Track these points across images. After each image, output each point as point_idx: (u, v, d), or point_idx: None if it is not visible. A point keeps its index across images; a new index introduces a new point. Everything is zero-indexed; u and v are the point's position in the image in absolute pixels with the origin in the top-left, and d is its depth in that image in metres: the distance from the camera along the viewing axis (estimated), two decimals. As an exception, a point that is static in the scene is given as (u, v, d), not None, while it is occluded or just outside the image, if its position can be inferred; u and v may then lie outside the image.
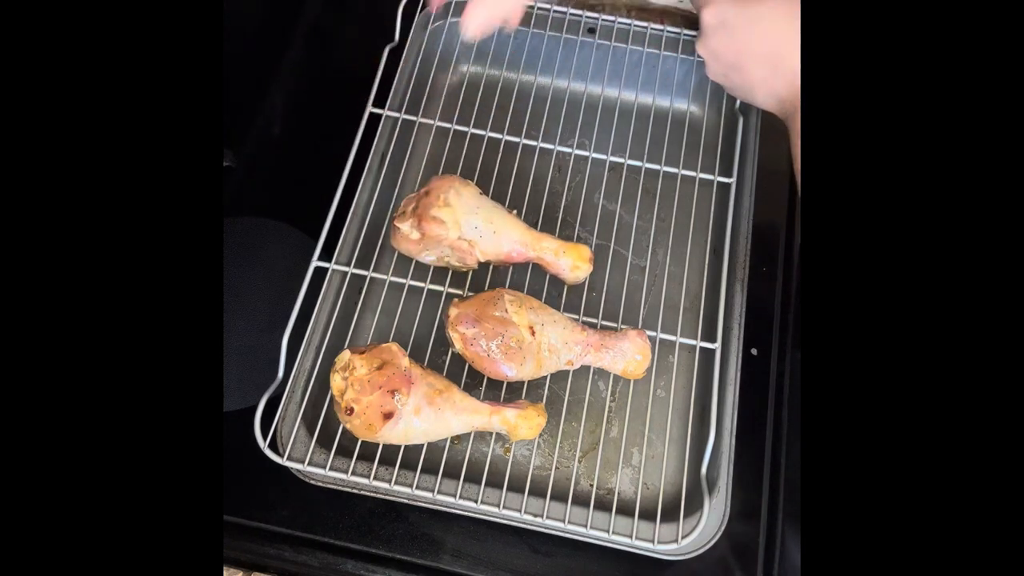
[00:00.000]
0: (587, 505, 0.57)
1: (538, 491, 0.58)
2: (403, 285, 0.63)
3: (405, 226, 0.60)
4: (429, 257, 0.62)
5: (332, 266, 0.63)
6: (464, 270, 0.63)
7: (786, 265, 0.68)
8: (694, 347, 0.63)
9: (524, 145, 0.68)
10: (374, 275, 0.63)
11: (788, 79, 0.57)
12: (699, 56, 0.63)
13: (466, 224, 0.59)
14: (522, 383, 0.62)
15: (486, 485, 0.57)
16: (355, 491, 0.58)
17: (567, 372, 0.60)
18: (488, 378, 0.60)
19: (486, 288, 0.64)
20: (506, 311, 0.57)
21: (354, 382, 0.54)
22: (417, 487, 0.56)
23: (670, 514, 0.58)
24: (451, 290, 0.63)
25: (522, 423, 0.56)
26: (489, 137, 0.68)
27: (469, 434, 0.60)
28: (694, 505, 0.58)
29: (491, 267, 0.64)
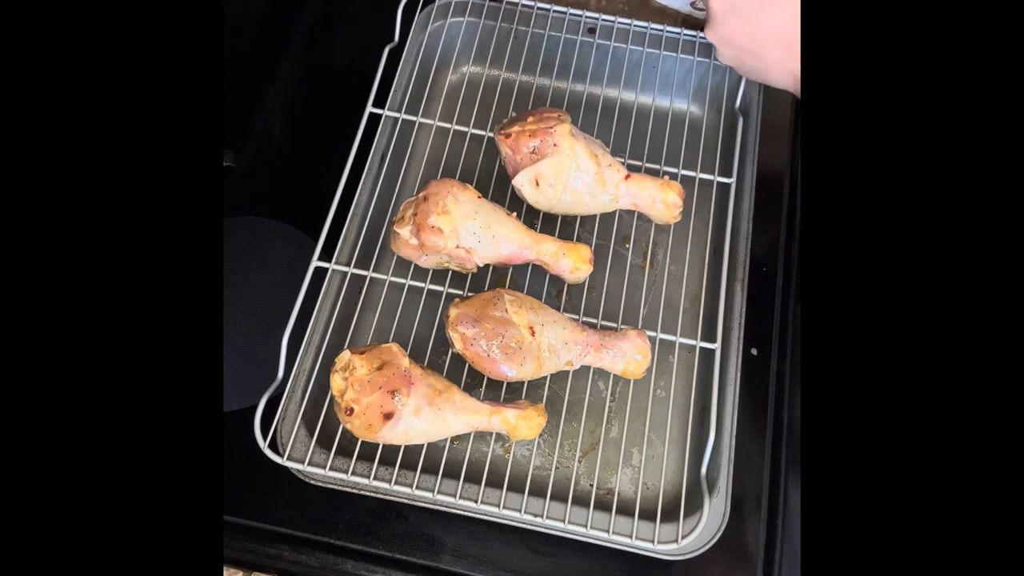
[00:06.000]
0: (587, 505, 0.57)
1: (538, 491, 0.58)
2: (403, 285, 0.63)
3: (404, 231, 0.60)
4: (428, 262, 0.62)
5: (332, 266, 0.63)
6: (464, 272, 0.63)
7: (786, 265, 0.68)
8: (694, 347, 0.63)
9: (524, 145, 0.68)
10: (374, 275, 0.63)
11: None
12: (708, 39, 0.63)
13: (464, 231, 0.59)
14: (522, 383, 0.62)
15: (486, 485, 0.57)
16: (355, 491, 0.58)
17: (567, 372, 0.60)
18: (488, 378, 0.60)
19: (486, 288, 0.64)
20: (506, 311, 0.57)
21: (354, 382, 0.54)
22: (417, 487, 0.56)
23: (670, 514, 0.58)
24: (451, 290, 0.63)
25: (522, 423, 0.56)
26: (489, 137, 0.68)
27: (469, 434, 0.60)
28: (694, 505, 0.58)
29: (491, 267, 0.64)
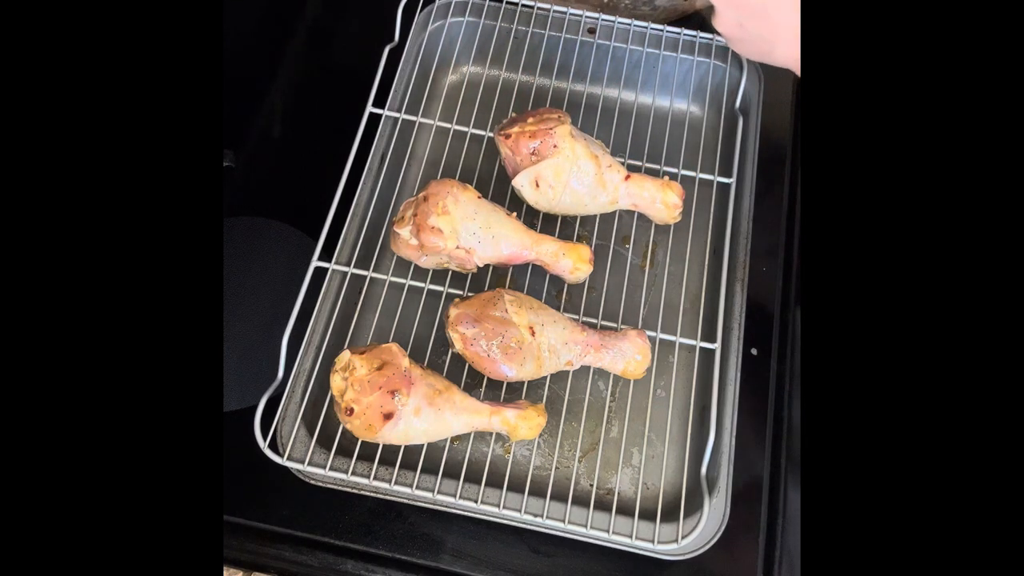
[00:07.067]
0: (587, 505, 0.57)
1: (538, 491, 0.58)
2: (403, 285, 0.63)
3: (404, 231, 0.60)
4: (428, 262, 0.62)
5: (332, 266, 0.63)
6: (464, 272, 0.63)
7: (786, 265, 0.68)
8: (694, 347, 0.63)
9: (524, 145, 0.68)
10: (374, 275, 0.63)
11: None
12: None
13: (464, 231, 0.59)
14: (522, 383, 0.62)
15: (486, 485, 0.57)
16: (355, 491, 0.58)
17: (567, 372, 0.60)
18: (488, 378, 0.60)
19: (486, 288, 0.65)
20: (506, 311, 0.57)
21: (354, 382, 0.54)
22: (417, 487, 0.56)
23: (670, 514, 0.58)
24: (451, 290, 0.63)
25: (522, 423, 0.56)
26: (489, 137, 0.68)
27: (469, 434, 0.60)
28: (694, 505, 0.58)
29: (491, 267, 0.64)
